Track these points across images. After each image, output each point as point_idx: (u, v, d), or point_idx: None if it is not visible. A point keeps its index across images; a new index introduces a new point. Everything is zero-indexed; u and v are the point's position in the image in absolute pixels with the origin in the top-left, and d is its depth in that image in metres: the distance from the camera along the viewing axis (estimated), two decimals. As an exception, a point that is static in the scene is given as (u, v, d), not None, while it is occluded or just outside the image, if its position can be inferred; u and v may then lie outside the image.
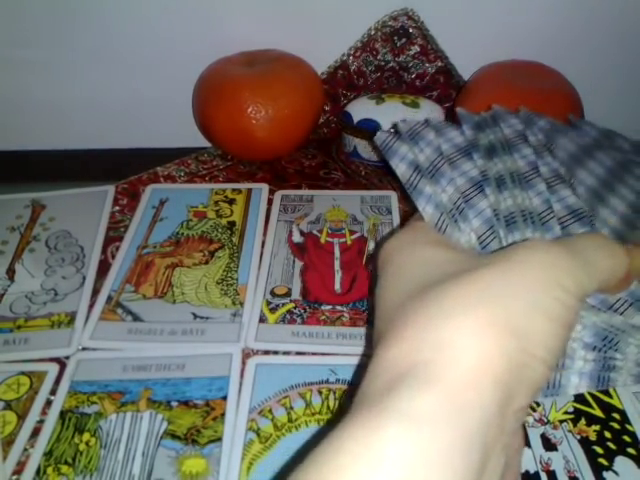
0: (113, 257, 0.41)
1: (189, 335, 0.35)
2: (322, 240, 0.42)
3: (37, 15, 0.48)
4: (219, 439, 0.29)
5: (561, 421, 0.30)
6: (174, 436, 0.30)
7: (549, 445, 0.29)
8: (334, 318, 0.36)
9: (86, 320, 0.36)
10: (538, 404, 0.31)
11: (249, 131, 0.46)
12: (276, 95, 0.45)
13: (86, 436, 0.30)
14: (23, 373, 0.33)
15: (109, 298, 0.38)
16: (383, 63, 0.52)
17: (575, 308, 0.19)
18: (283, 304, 0.37)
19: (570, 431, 0.30)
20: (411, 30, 0.50)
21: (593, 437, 0.29)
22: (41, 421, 0.31)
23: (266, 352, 0.34)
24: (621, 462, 0.28)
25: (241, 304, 0.37)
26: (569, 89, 0.46)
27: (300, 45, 0.49)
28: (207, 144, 0.52)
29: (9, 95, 0.52)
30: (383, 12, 0.49)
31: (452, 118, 0.29)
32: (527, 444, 0.29)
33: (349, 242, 0.41)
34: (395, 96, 0.49)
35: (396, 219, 0.43)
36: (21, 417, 0.31)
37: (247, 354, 0.34)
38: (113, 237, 0.43)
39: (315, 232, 0.42)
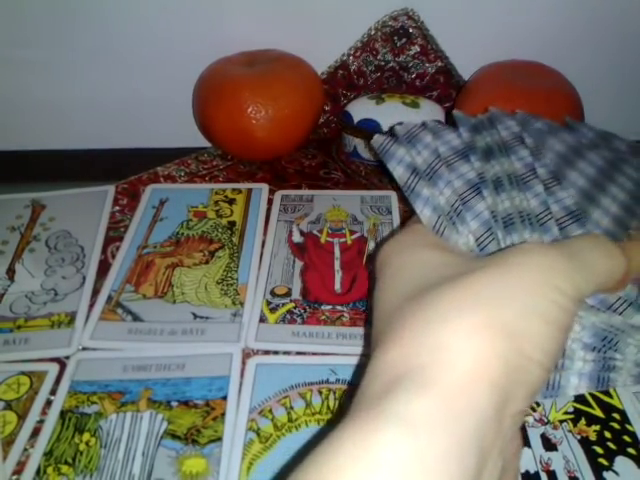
0: (113, 257, 0.41)
1: (189, 335, 0.35)
2: (322, 240, 0.42)
3: (37, 15, 0.48)
4: (219, 439, 0.29)
5: (561, 421, 0.30)
6: (174, 436, 0.30)
7: (549, 445, 0.29)
8: (334, 318, 0.36)
9: (86, 320, 0.36)
10: (538, 404, 0.31)
11: (249, 131, 0.46)
12: (276, 95, 0.45)
13: (86, 436, 0.30)
14: (23, 373, 0.33)
15: (109, 298, 0.38)
16: (383, 63, 0.52)
17: (572, 311, 0.19)
18: (283, 304, 0.37)
19: (570, 431, 0.30)
20: (411, 30, 0.50)
21: (593, 437, 0.29)
22: (41, 421, 0.31)
23: (266, 352, 0.34)
24: (621, 462, 0.28)
25: (241, 304, 0.37)
26: (569, 89, 0.46)
27: (300, 45, 0.49)
28: (207, 144, 0.52)
29: (9, 95, 0.52)
30: (383, 12, 0.49)
31: (452, 118, 0.29)
32: (527, 444, 0.29)
33: (349, 242, 0.41)
34: (395, 96, 0.49)
35: (396, 219, 0.43)
36: (21, 417, 0.31)
37: (247, 354, 0.34)
38: (113, 237, 0.43)
39: (315, 232, 0.42)
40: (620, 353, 0.22)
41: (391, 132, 0.28)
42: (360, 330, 0.35)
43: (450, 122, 0.29)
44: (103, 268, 0.40)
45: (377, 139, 0.28)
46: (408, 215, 0.26)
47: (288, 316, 0.36)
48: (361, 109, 0.48)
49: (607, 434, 0.29)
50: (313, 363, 0.33)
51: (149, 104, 0.53)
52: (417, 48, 0.50)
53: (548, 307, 0.18)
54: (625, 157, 0.29)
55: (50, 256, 0.41)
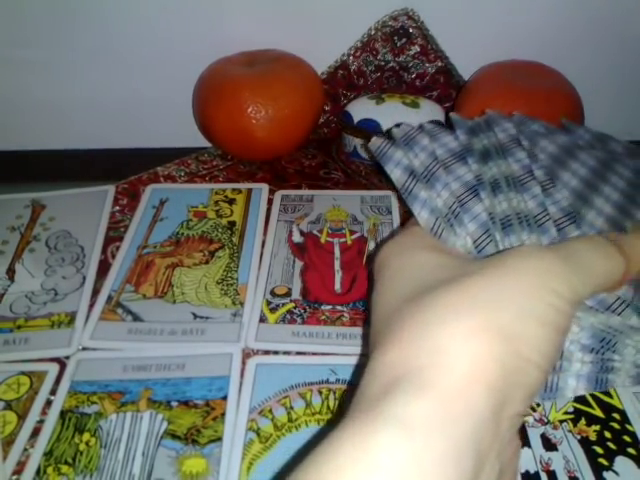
0: (113, 257, 0.41)
1: (189, 335, 0.35)
2: (322, 240, 0.42)
3: (37, 15, 0.48)
4: (219, 439, 0.29)
5: (561, 421, 0.30)
6: (174, 436, 0.30)
7: (549, 445, 0.29)
8: (334, 318, 0.36)
9: (86, 320, 0.36)
10: (538, 404, 0.31)
11: (249, 131, 0.46)
12: (276, 95, 0.45)
13: (86, 436, 0.30)
14: (23, 373, 0.33)
15: (109, 298, 0.38)
16: (383, 63, 0.52)
17: (569, 313, 0.19)
18: (283, 304, 0.37)
19: (570, 431, 0.30)
20: (411, 30, 0.50)
21: (593, 437, 0.29)
22: (41, 421, 0.31)
23: (266, 352, 0.34)
24: (621, 462, 0.28)
25: (241, 304, 0.37)
26: (569, 89, 0.46)
27: (300, 45, 0.49)
28: (207, 144, 0.52)
29: (9, 95, 0.52)
30: (383, 12, 0.49)
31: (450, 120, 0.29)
32: (527, 444, 0.29)
33: (349, 242, 0.41)
34: (395, 96, 0.49)
35: (396, 219, 0.43)
36: (21, 417, 0.31)
37: (247, 354, 0.34)
38: (113, 237, 0.43)
39: (315, 232, 0.42)
40: (618, 354, 0.22)
41: (388, 135, 0.28)
42: (360, 330, 0.35)
43: (449, 123, 0.29)
44: (103, 268, 0.40)
45: (374, 141, 0.28)
46: (408, 215, 0.26)
47: (288, 316, 0.36)
48: (361, 109, 0.48)
49: (607, 434, 0.29)
50: (313, 363, 0.33)
51: (149, 104, 0.53)
52: (417, 48, 0.50)
53: (545, 310, 0.18)
54: (617, 157, 0.29)
55: (50, 256, 0.41)
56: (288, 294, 0.37)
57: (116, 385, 0.32)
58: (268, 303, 0.37)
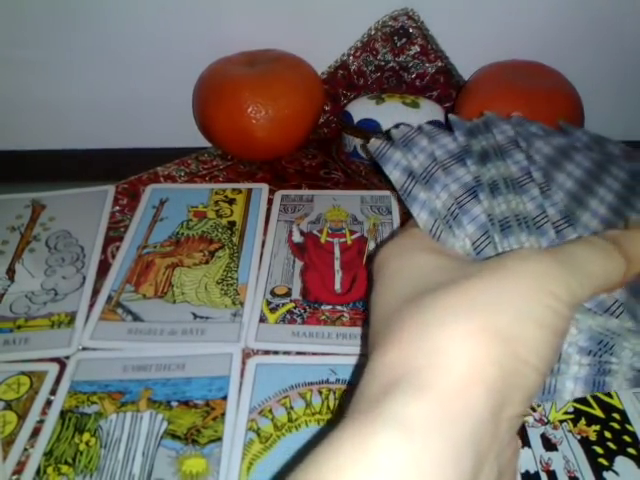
0: (113, 257, 0.41)
1: (189, 335, 0.35)
2: (322, 240, 0.42)
3: (36, 15, 0.48)
4: (219, 439, 0.29)
5: (561, 421, 0.30)
6: (174, 436, 0.30)
7: (549, 445, 0.29)
8: (334, 318, 0.36)
9: (86, 320, 0.36)
10: (539, 404, 0.31)
11: (249, 131, 0.46)
12: (276, 95, 0.45)
13: (86, 436, 0.30)
14: (23, 373, 0.33)
15: (109, 298, 0.38)
16: (383, 63, 0.52)
17: (567, 316, 0.19)
18: (283, 304, 0.37)
19: (570, 431, 0.30)
20: (411, 30, 0.50)
21: (593, 437, 0.29)
22: (41, 421, 0.31)
23: (266, 352, 0.34)
24: (621, 462, 0.28)
25: (241, 304, 0.37)
26: (569, 89, 0.46)
27: (300, 45, 0.49)
28: (207, 144, 0.52)
29: (8, 95, 0.52)
30: (383, 12, 0.49)
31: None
32: (527, 444, 0.29)
33: (349, 242, 0.41)
34: (395, 96, 0.49)
35: (396, 219, 0.43)
36: (21, 417, 0.31)
37: (247, 354, 0.34)
38: (113, 237, 0.43)
39: (315, 232, 0.42)
40: (616, 357, 0.22)
41: (387, 135, 0.28)
42: (360, 330, 0.35)
43: (449, 124, 0.29)
44: (103, 268, 0.40)
45: (373, 142, 0.28)
46: (407, 216, 0.26)
47: (288, 316, 0.36)
48: (361, 109, 0.48)
49: (607, 434, 0.29)
50: (313, 363, 0.33)
51: (149, 104, 0.53)
52: (417, 48, 0.50)
53: (543, 312, 0.18)
54: (613, 159, 0.29)
55: (50, 256, 0.41)
56: (288, 294, 0.37)
57: (116, 385, 0.32)
58: (268, 303, 0.37)
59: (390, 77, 0.52)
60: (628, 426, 0.30)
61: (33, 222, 0.44)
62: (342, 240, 0.41)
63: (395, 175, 0.26)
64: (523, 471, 0.28)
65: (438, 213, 0.25)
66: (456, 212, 0.24)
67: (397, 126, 0.29)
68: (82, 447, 0.29)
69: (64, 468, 0.29)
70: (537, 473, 0.28)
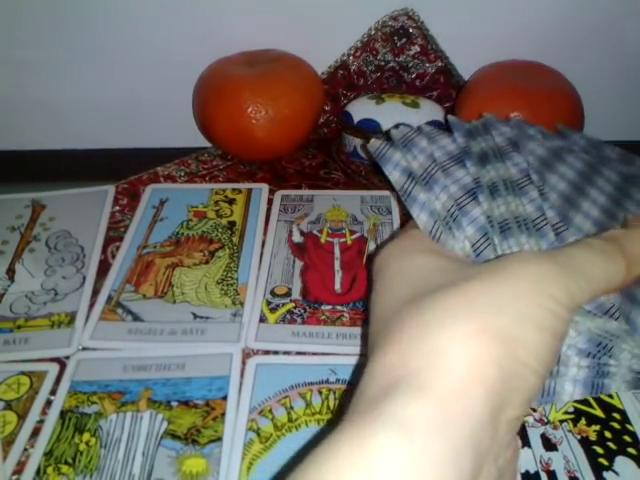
0: (113, 257, 0.41)
1: (189, 335, 0.35)
2: (322, 240, 0.42)
3: (35, 15, 0.48)
4: (219, 439, 0.29)
5: (561, 421, 0.30)
6: (174, 436, 0.30)
7: (549, 445, 0.29)
8: (334, 318, 0.36)
9: (86, 320, 0.36)
10: (537, 407, 0.31)
11: (249, 131, 0.46)
12: (276, 95, 0.45)
13: (86, 436, 0.30)
14: (23, 373, 0.33)
15: (109, 298, 0.38)
16: (383, 63, 0.52)
17: (566, 319, 0.19)
18: (283, 304, 0.37)
19: (570, 431, 0.30)
20: (411, 30, 0.50)
21: (593, 437, 0.29)
22: (41, 421, 0.31)
23: (266, 352, 0.34)
24: (621, 462, 0.28)
25: (241, 304, 0.37)
26: (569, 89, 0.46)
27: (300, 45, 0.49)
28: (207, 144, 0.52)
29: (8, 95, 0.52)
30: (383, 12, 0.49)
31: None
32: (527, 444, 0.29)
33: (349, 242, 0.41)
34: (395, 96, 0.49)
35: (396, 219, 0.43)
36: (21, 417, 0.31)
37: (247, 354, 0.34)
38: (113, 237, 0.43)
39: (315, 232, 0.42)
40: (614, 359, 0.22)
41: (387, 136, 0.28)
42: (360, 330, 0.35)
43: (448, 125, 0.29)
44: (103, 268, 0.40)
45: (373, 143, 0.28)
46: (408, 216, 0.26)
47: (288, 316, 0.36)
48: (361, 109, 0.48)
49: (607, 434, 0.29)
50: (313, 363, 0.33)
51: (149, 104, 0.53)
52: (417, 48, 0.50)
53: (542, 315, 0.18)
54: (604, 160, 0.29)
55: (50, 256, 0.41)
56: (288, 294, 0.37)
57: (116, 385, 0.32)
58: (268, 303, 0.37)
59: (390, 77, 0.52)
60: (628, 426, 0.30)
61: (33, 222, 0.44)
62: (342, 240, 0.41)
63: (395, 176, 0.26)
64: (523, 471, 0.28)
65: (438, 214, 0.25)
66: (456, 214, 0.25)
67: (397, 126, 0.29)
68: (82, 447, 0.29)
69: (64, 468, 0.29)
70: (537, 473, 0.28)
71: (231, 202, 0.46)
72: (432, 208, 0.25)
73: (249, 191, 0.47)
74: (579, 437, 0.29)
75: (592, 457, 0.28)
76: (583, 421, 0.30)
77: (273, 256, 0.40)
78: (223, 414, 0.31)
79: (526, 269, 0.19)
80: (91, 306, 0.37)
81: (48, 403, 0.31)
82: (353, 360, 0.33)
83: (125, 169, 0.49)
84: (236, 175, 0.49)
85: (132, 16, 0.48)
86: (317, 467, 0.16)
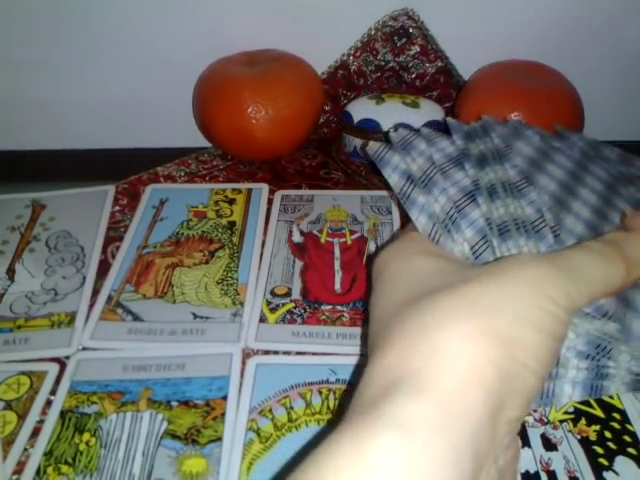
0: (113, 257, 0.41)
1: (189, 335, 0.35)
2: (322, 240, 0.42)
3: (36, 15, 0.48)
4: (219, 439, 0.29)
5: (561, 421, 0.30)
6: (174, 436, 0.30)
7: (549, 445, 0.29)
8: (334, 318, 0.36)
9: (86, 320, 0.36)
10: (536, 409, 0.31)
11: (249, 131, 0.46)
12: (276, 95, 0.45)
13: (86, 436, 0.30)
14: (23, 373, 0.33)
15: (109, 298, 0.38)
16: (383, 63, 0.52)
17: (565, 321, 0.19)
18: (283, 304, 0.37)
19: (570, 431, 0.30)
20: (411, 30, 0.50)
21: (593, 437, 0.29)
22: (41, 421, 0.31)
23: (266, 352, 0.34)
24: (621, 462, 0.28)
25: (241, 304, 0.37)
26: (569, 89, 0.46)
27: (300, 45, 0.49)
28: (207, 144, 0.52)
29: (8, 95, 0.52)
30: (383, 12, 0.49)
31: (452, 118, 0.29)
32: (527, 444, 0.29)
33: (349, 242, 0.41)
34: (395, 96, 0.49)
35: (396, 219, 0.43)
36: (21, 417, 0.31)
37: (247, 354, 0.34)
38: (113, 237, 0.43)
39: (315, 232, 0.42)
40: (613, 361, 0.22)
41: (386, 138, 0.28)
42: (360, 330, 0.35)
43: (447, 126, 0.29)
44: (103, 268, 0.40)
45: (372, 146, 0.28)
46: (407, 217, 0.26)
47: (288, 316, 0.36)
48: (361, 109, 0.48)
49: (607, 434, 0.29)
50: (313, 363, 0.33)
51: (149, 104, 0.53)
52: (417, 48, 0.50)
53: (542, 316, 0.18)
54: (591, 157, 0.29)
55: (50, 256, 0.41)
56: (288, 294, 0.37)
57: (116, 385, 0.32)
58: (268, 303, 0.37)
59: (390, 77, 0.52)
60: (628, 426, 0.30)
61: (33, 222, 0.44)
62: (342, 240, 0.41)
63: (394, 179, 0.26)
64: (523, 471, 0.28)
65: (437, 217, 0.25)
66: (455, 216, 0.24)
67: (397, 127, 0.29)
68: (82, 447, 0.29)
69: (64, 468, 0.29)
70: (537, 473, 0.28)
71: (231, 202, 0.46)
72: (431, 211, 0.25)
73: (249, 191, 0.47)
74: (579, 437, 0.29)
75: (592, 457, 0.28)
76: (583, 421, 0.30)
77: (273, 256, 0.40)
78: (223, 414, 0.31)
79: (525, 271, 0.19)
80: (91, 306, 0.37)
81: (48, 403, 0.31)
82: (353, 360, 0.33)
83: (125, 169, 0.49)
84: (236, 175, 0.49)
85: (132, 16, 0.48)
86: (317, 467, 0.16)
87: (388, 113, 0.47)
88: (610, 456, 0.28)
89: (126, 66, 0.51)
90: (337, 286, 0.38)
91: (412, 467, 0.15)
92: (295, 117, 0.47)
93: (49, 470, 0.28)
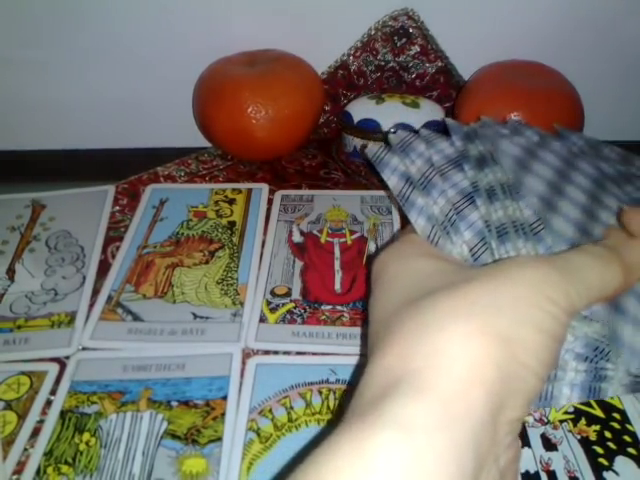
0: (113, 257, 0.41)
1: (189, 335, 0.35)
2: (322, 240, 0.42)
3: (36, 15, 0.48)
4: (219, 439, 0.29)
5: (561, 421, 0.30)
6: (174, 436, 0.30)
7: (549, 445, 0.29)
8: (334, 318, 0.36)
9: (86, 320, 0.36)
10: (534, 411, 0.31)
11: (249, 131, 0.46)
12: (276, 95, 0.45)
13: (86, 436, 0.30)
14: (23, 373, 0.33)
15: (109, 298, 0.38)
16: (383, 63, 0.52)
17: (565, 322, 0.19)
18: (283, 304, 0.37)
19: (570, 431, 0.30)
20: (411, 30, 0.50)
21: (593, 437, 0.29)
22: (41, 421, 0.31)
23: (266, 352, 0.34)
24: (621, 462, 0.28)
25: (241, 304, 0.37)
26: (569, 89, 0.46)
27: (300, 45, 0.49)
28: (207, 144, 0.52)
29: (9, 95, 0.52)
30: (383, 12, 0.49)
31: (452, 118, 0.29)
32: (527, 444, 0.29)
33: (349, 242, 0.41)
34: (395, 96, 0.49)
35: (396, 219, 0.43)
36: (21, 417, 0.31)
37: (247, 354, 0.34)
38: (113, 237, 0.43)
39: (315, 232, 0.42)
40: (612, 363, 0.22)
41: (386, 139, 0.28)
42: (360, 330, 0.35)
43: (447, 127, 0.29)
44: (103, 268, 0.40)
45: (371, 148, 0.28)
46: (407, 219, 0.26)
47: (288, 316, 0.36)
48: (361, 109, 0.48)
49: (607, 434, 0.29)
50: (313, 363, 0.33)
51: (149, 104, 0.53)
52: (417, 48, 0.50)
53: (542, 317, 0.18)
54: (578, 153, 0.28)
55: (50, 256, 0.41)
56: (288, 294, 0.37)
57: (116, 385, 0.32)
58: (268, 303, 0.37)
59: (390, 77, 0.52)
60: (628, 426, 0.30)
61: (33, 222, 0.44)
62: (342, 240, 0.41)
63: (393, 181, 0.26)
64: (523, 471, 0.28)
65: (435, 219, 0.25)
66: (453, 218, 0.24)
67: (397, 127, 0.29)
68: (82, 447, 0.29)
69: (64, 468, 0.29)
70: (537, 473, 0.28)
71: (231, 202, 0.46)
72: (430, 213, 0.25)
73: (249, 191, 0.47)
74: (579, 437, 0.29)
75: (592, 457, 0.28)
76: (583, 421, 0.30)
77: (273, 256, 0.40)
78: (223, 414, 0.31)
79: (524, 273, 0.19)
80: (91, 306, 0.37)
81: (48, 403, 0.31)
82: (353, 360, 0.33)
83: (125, 169, 0.49)
84: (236, 175, 0.49)
85: (132, 16, 0.48)
86: (317, 467, 0.16)
87: (388, 113, 0.47)
88: (610, 456, 0.28)
89: (126, 66, 0.51)
90: (337, 286, 0.38)
91: (416, 463, 0.15)
92: (295, 117, 0.47)
93: (49, 470, 0.28)
